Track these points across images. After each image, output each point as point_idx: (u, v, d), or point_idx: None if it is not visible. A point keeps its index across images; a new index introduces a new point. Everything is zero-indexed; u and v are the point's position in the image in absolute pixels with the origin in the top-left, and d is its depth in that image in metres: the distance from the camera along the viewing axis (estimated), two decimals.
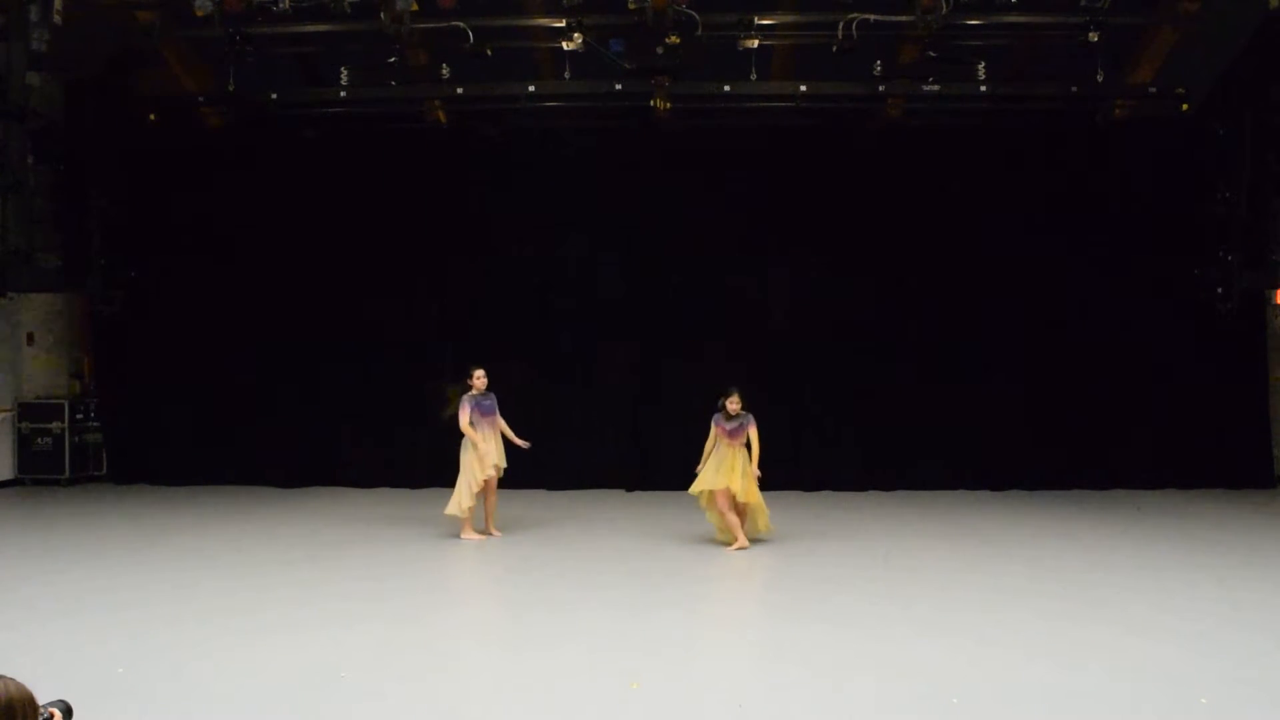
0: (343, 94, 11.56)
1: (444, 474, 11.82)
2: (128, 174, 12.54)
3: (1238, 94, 11.37)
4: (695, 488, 9.09)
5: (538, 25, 11.10)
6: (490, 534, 9.55)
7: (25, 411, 12.71)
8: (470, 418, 9.20)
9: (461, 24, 10.63)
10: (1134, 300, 12.05)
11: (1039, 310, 12.10)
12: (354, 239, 12.52)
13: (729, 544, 9.01)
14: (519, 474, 11.87)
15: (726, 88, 11.34)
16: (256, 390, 12.53)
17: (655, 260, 12.40)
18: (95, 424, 12.97)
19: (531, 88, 11.58)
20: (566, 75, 11.10)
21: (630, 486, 12.13)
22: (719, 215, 12.30)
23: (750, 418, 9.00)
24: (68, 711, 2.61)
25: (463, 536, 9.41)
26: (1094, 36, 10.40)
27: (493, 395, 9.42)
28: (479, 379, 9.31)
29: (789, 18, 11.02)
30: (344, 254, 12.51)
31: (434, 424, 11.55)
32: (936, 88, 11.28)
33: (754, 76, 11.16)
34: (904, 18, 10.33)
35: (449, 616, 6.97)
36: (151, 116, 12.27)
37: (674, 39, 10.39)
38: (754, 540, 9.09)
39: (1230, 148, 11.45)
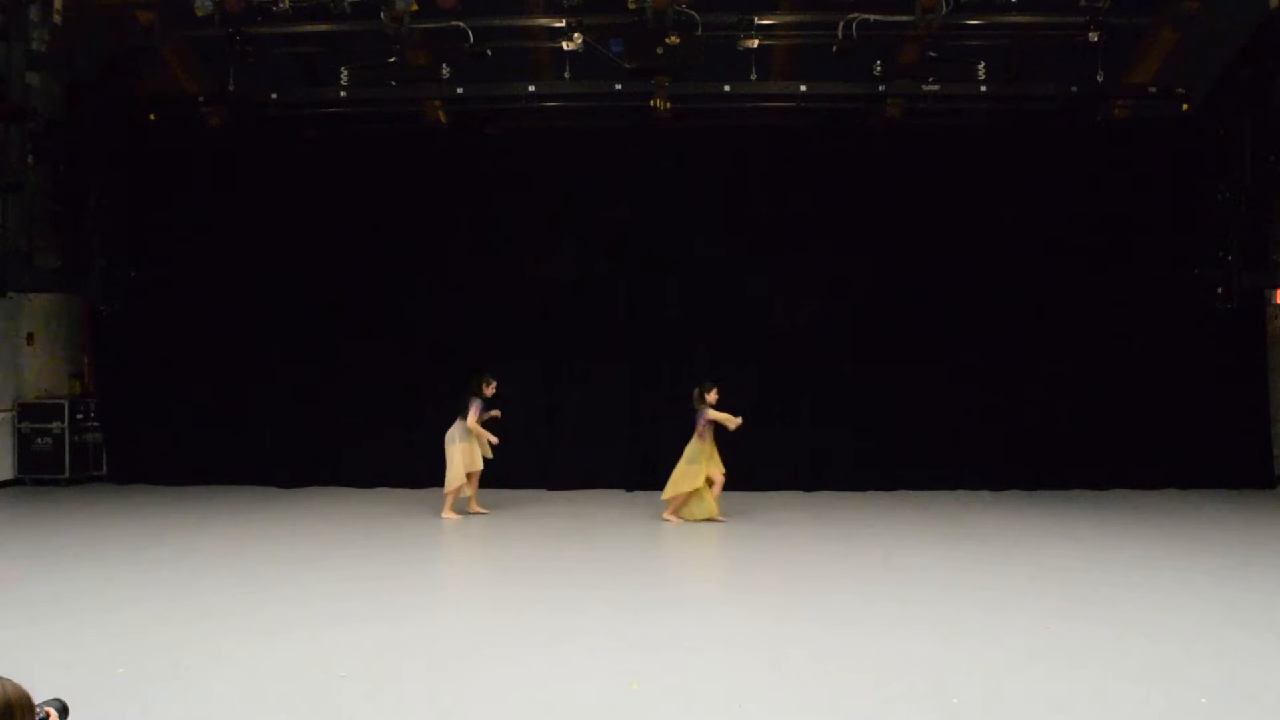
0: (343, 94, 11.56)
1: (444, 474, 11.84)
2: (128, 174, 12.53)
3: (1238, 94, 11.37)
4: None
5: (538, 25, 11.10)
6: (479, 511, 10.64)
7: (25, 411, 12.70)
8: (477, 417, 10.33)
9: (461, 24, 10.63)
10: (1134, 300, 12.05)
11: (1038, 310, 12.10)
12: (354, 239, 12.52)
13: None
14: (520, 473, 11.95)
15: (726, 88, 11.34)
16: (256, 390, 12.53)
17: (655, 260, 12.40)
18: (95, 424, 12.97)
19: (531, 88, 11.58)
20: (566, 75, 11.11)
21: (630, 486, 12.12)
22: (718, 215, 12.31)
23: (699, 411, 10.05)
24: (63, 710, 2.62)
25: (444, 515, 10.43)
26: (1094, 36, 10.41)
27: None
28: (491, 388, 10.43)
29: (789, 18, 11.02)
30: (344, 254, 12.52)
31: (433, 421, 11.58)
32: (936, 88, 11.27)
33: (754, 76, 11.16)
34: (904, 18, 10.33)
35: (449, 616, 6.97)
36: (151, 116, 12.27)
37: (674, 39, 10.39)
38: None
39: (1230, 148, 11.45)
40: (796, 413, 12.28)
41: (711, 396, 10.09)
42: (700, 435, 10.10)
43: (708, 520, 10.13)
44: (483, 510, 10.68)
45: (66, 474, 12.63)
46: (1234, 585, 7.53)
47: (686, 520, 10.17)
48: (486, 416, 10.47)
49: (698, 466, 10.07)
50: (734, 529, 10.00)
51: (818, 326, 12.28)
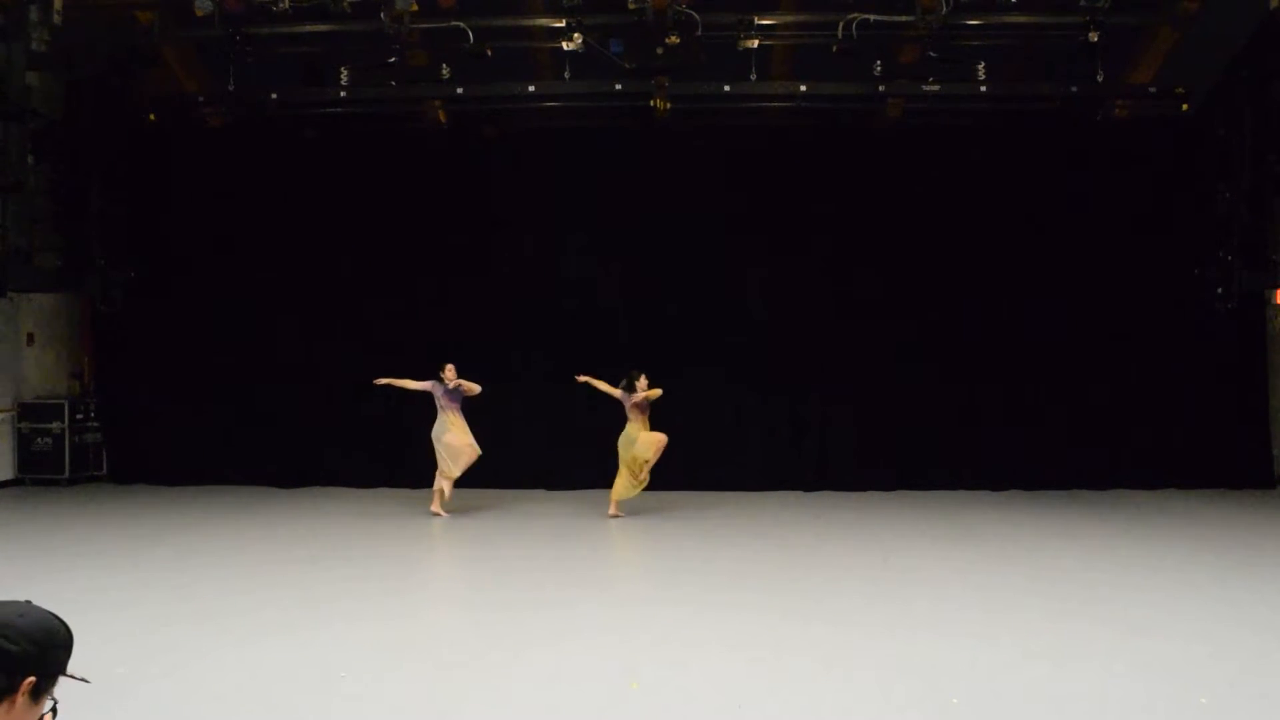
0: (343, 94, 11.56)
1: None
2: (128, 174, 12.53)
3: (1238, 94, 11.36)
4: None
5: (538, 25, 11.10)
6: (438, 513, 10.54)
7: (25, 411, 12.70)
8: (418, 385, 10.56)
9: (461, 24, 10.64)
10: (1134, 300, 12.05)
11: (1038, 310, 12.09)
12: (354, 239, 12.52)
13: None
14: (520, 474, 11.94)
15: (726, 88, 11.33)
16: (256, 390, 12.52)
17: (655, 260, 12.40)
18: (95, 424, 12.96)
19: (531, 88, 11.57)
20: (566, 75, 11.10)
21: None
22: (719, 215, 12.29)
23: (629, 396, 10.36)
24: (55, 710, 2.64)
25: (436, 509, 10.52)
26: (1094, 36, 10.40)
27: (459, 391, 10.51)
28: (449, 371, 10.50)
29: (789, 18, 11.02)
30: (344, 254, 12.52)
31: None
32: (936, 88, 11.27)
33: (754, 76, 11.15)
34: (904, 18, 10.33)
35: (448, 616, 6.97)
36: (151, 116, 12.27)
37: (674, 39, 10.38)
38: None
39: (1230, 148, 11.45)
40: (797, 412, 12.29)
41: (642, 383, 10.33)
42: (639, 413, 10.34)
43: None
44: (441, 513, 10.57)
45: (66, 474, 12.62)
46: (1234, 585, 7.53)
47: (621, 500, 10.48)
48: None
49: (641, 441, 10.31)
50: (734, 529, 10.00)
51: (817, 326, 12.27)
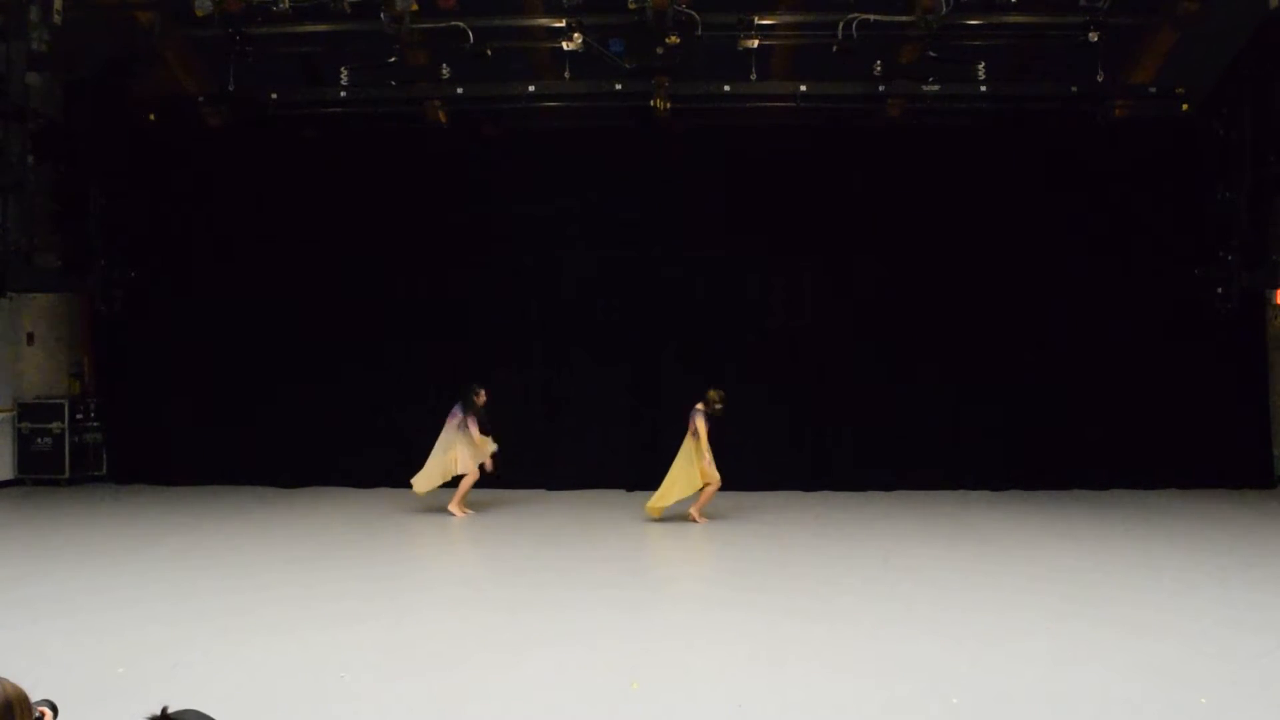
0: (343, 94, 11.56)
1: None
2: (128, 174, 12.54)
3: (1238, 94, 11.36)
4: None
5: (538, 25, 11.10)
6: (454, 513, 10.72)
7: (25, 411, 12.70)
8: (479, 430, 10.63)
9: (461, 24, 10.64)
10: (1134, 300, 12.05)
11: (1038, 310, 12.10)
12: (353, 239, 12.52)
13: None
14: (520, 474, 11.94)
15: (726, 88, 11.34)
16: (256, 390, 12.52)
17: (655, 260, 12.41)
18: (95, 424, 12.96)
19: (531, 88, 11.58)
20: (566, 75, 11.11)
21: (630, 486, 12.12)
22: (719, 215, 12.30)
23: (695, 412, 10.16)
24: (55, 709, 2.65)
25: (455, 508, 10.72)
26: (1094, 36, 10.40)
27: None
28: (482, 398, 10.63)
29: (789, 18, 11.01)
30: (344, 254, 12.51)
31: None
32: (936, 88, 11.28)
33: (754, 76, 11.16)
34: (904, 18, 10.34)
35: (449, 616, 6.97)
36: (151, 116, 12.27)
37: (674, 39, 10.39)
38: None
39: (1230, 148, 11.45)
40: (797, 412, 12.29)
41: (713, 398, 10.13)
42: (694, 434, 10.15)
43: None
44: (460, 513, 10.70)
45: (66, 474, 12.62)
46: (1235, 585, 7.54)
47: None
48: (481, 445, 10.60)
49: (694, 468, 10.14)
50: (734, 529, 10.00)
51: (817, 326, 12.28)
